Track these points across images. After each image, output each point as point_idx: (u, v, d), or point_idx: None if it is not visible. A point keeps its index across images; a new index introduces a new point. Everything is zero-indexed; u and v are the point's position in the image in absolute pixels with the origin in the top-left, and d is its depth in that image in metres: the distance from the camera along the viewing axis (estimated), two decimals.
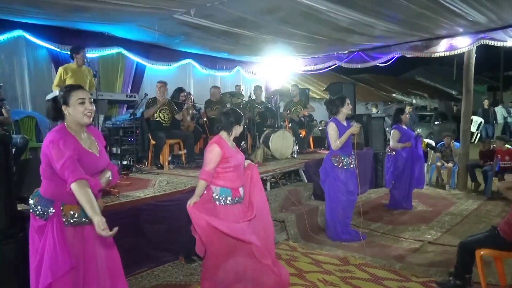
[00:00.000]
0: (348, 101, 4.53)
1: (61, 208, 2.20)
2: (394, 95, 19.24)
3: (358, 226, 5.00)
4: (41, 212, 2.20)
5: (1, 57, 5.26)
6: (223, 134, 3.18)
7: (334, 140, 4.39)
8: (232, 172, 3.09)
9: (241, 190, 3.21)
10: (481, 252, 2.92)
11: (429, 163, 7.65)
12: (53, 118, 2.31)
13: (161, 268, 3.70)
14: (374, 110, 12.51)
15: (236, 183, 3.13)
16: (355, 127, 4.38)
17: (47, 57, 5.74)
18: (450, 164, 7.26)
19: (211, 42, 6.38)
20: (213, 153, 3.02)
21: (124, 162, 5.76)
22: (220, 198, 3.09)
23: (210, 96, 7.02)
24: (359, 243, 4.42)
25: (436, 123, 14.54)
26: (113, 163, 2.61)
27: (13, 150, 4.67)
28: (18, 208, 3.04)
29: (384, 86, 20.07)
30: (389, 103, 17.87)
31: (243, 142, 6.50)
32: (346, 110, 4.47)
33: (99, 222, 1.99)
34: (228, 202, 3.08)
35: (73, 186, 2.02)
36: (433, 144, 8.23)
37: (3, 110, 4.66)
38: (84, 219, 2.22)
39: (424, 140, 8.03)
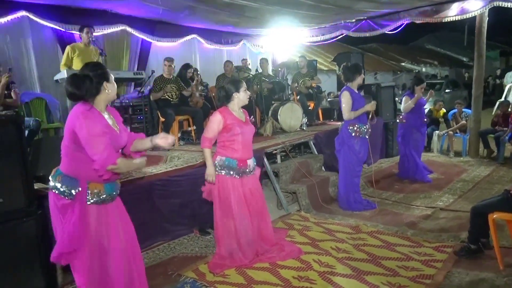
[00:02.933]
0: (363, 71, 4.52)
1: (87, 186, 2.22)
2: (403, 64, 18.89)
3: (369, 195, 5.04)
4: (66, 191, 2.18)
5: (6, 40, 5.25)
6: (229, 105, 3.24)
7: (347, 110, 4.37)
8: (235, 142, 3.15)
9: (249, 162, 3.24)
10: (494, 216, 2.92)
11: (440, 132, 7.55)
12: (87, 95, 2.17)
13: (176, 241, 3.80)
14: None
15: (242, 154, 3.18)
16: (371, 104, 4.39)
17: (52, 37, 5.72)
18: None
19: (216, 15, 6.27)
20: (213, 120, 3.17)
21: None
22: (223, 167, 3.16)
23: (224, 72, 6.93)
24: (371, 212, 4.46)
25: (447, 91, 14.29)
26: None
27: (26, 132, 4.75)
28: (35, 187, 3.13)
29: (393, 55, 19.69)
30: (398, 72, 17.57)
31: (251, 116, 6.51)
32: (360, 78, 4.45)
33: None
34: (232, 172, 3.16)
35: (119, 162, 2.15)
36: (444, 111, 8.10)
37: (12, 93, 4.69)
38: (107, 196, 2.28)
39: (443, 109, 7.92)
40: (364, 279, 2.90)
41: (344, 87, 4.49)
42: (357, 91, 4.47)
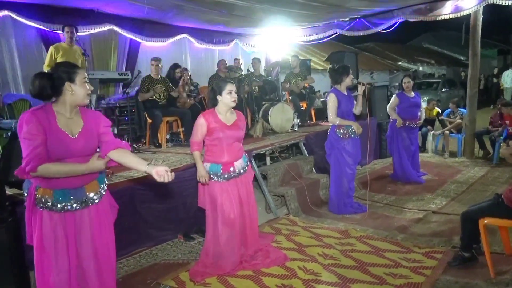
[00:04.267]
0: (350, 71, 4.38)
1: (35, 191, 2.11)
2: (400, 63, 18.79)
3: (361, 197, 4.92)
4: (25, 193, 2.16)
5: None
6: (216, 107, 3.13)
7: (333, 112, 4.27)
8: (218, 146, 3.07)
9: (237, 164, 3.13)
10: (485, 221, 2.80)
11: (436, 132, 7.44)
12: (46, 96, 2.08)
13: (159, 247, 3.67)
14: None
15: (227, 158, 3.07)
16: (357, 125, 4.31)
17: (36, 37, 5.58)
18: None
19: (205, 14, 6.15)
20: (197, 124, 3.11)
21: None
22: (211, 173, 3.09)
23: (217, 71, 6.75)
24: (361, 215, 4.34)
25: (443, 90, 14.18)
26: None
27: (9, 134, 4.63)
28: (8, 193, 3.01)
29: (390, 54, 19.59)
30: (395, 71, 17.46)
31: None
32: (349, 79, 4.33)
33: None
34: (216, 178, 3.07)
35: (40, 169, 1.97)
36: (439, 111, 7.99)
37: None
38: (58, 205, 2.10)
39: (436, 108, 7.82)
40: None
41: (331, 89, 4.38)
42: (346, 92, 4.35)
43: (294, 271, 3.07)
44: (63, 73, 2.08)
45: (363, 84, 4.37)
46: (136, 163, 2.20)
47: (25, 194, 2.17)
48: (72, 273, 2.20)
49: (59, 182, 2.09)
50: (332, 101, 4.27)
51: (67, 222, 2.16)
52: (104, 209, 2.32)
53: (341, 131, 4.30)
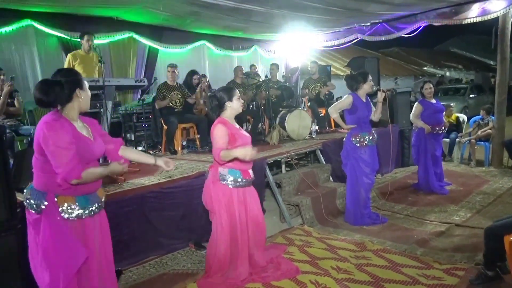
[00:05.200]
0: (370, 77, 4.22)
1: (55, 199, 2.08)
2: (425, 68, 18.29)
3: (380, 208, 4.74)
4: (34, 205, 2.09)
5: (11, 48, 5.27)
6: (223, 114, 3.04)
7: (337, 108, 4.25)
8: None
9: (251, 172, 3.06)
10: (511, 238, 2.60)
11: (462, 139, 7.13)
12: (57, 102, 2.07)
13: (170, 255, 3.62)
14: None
15: (244, 164, 2.99)
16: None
17: (57, 45, 5.71)
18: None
19: (222, 20, 6.13)
20: (220, 131, 2.90)
21: (139, 148, 5.72)
22: (228, 178, 2.95)
23: (235, 78, 6.66)
24: (379, 226, 4.16)
25: (471, 96, 13.70)
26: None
27: (29, 139, 4.72)
28: (19, 199, 3.03)
29: (415, 59, 19.11)
30: (420, 77, 17.00)
31: (260, 124, 6.32)
32: (367, 86, 4.18)
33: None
34: (237, 184, 2.97)
35: (84, 175, 2.04)
36: (465, 119, 7.67)
37: (16, 102, 4.68)
38: (81, 210, 2.11)
39: (455, 114, 7.53)
40: None
41: (350, 92, 4.26)
42: (364, 99, 4.20)
43: (305, 286, 2.95)
44: (73, 79, 2.13)
45: (383, 91, 4.21)
46: (145, 157, 2.45)
47: (35, 205, 2.08)
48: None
49: (83, 188, 2.12)
50: (345, 101, 4.21)
51: (87, 227, 2.17)
52: (105, 218, 2.34)
53: (358, 139, 4.15)
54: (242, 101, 3.08)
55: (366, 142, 4.15)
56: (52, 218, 2.08)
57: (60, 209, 2.08)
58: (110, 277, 2.32)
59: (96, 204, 2.20)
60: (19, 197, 3.04)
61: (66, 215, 2.08)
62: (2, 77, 4.57)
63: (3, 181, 2.71)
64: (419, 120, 5.27)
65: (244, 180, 3.00)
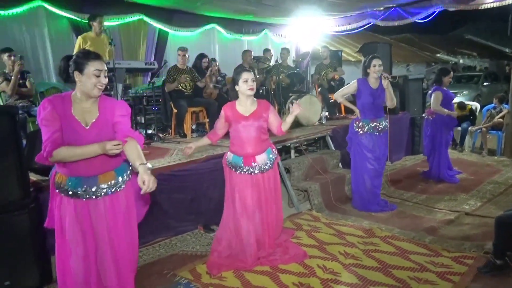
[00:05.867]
0: (374, 62, 4.10)
1: (55, 175, 2.18)
2: (438, 55, 17.94)
3: (389, 195, 4.72)
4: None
5: (22, 29, 5.27)
6: (238, 98, 3.10)
7: (342, 93, 4.33)
8: (237, 137, 3.05)
9: (259, 158, 3.04)
10: None
11: (473, 128, 7.02)
12: (65, 80, 2.17)
13: (179, 237, 3.67)
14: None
15: (244, 150, 3.02)
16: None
17: (68, 27, 5.70)
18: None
19: (233, 3, 6.06)
20: (220, 115, 3.12)
21: (149, 131, 5.74)
22: (232, 164, 3.08)
23: (243, 62, 6.60)
24: (388, 213, 4.15)
25: (485, 84, 13.43)
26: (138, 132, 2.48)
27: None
28: (32, 179, 3.07)
29: (428, 46, 18.74)
30: (433, 64, 16.71)
31: None
32: (371, 71, 4.08)
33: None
34: (238, 170, 3.04)
35: (55, 154, 1.98)
36: (478, 107, 7.54)
37: (27, 83, 4.71)
38: (71, 190, 2.11)
39: (468, 103, 7.41)
40: None
41: (359, 78, 4.21)
42: (374, 86, 4.12)
43: (313, 270, 2.97)
44: (73, 61, 2.08)
45: (385, 77, 4.11)
46: (134, 158, 2.10)
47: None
48: (91, 259, 2.21)
49: (73, 168, 2.10)
50: (350, 86, 4.25)
51: (81, 209, 2.15)
52: (121, 202, 2.26)
53: (359, 124, 4.15)
54: (250, 84, 2.98)
55: (365, 129, 4.12)
56: (53, 190, 2.20)
57: (56, 184, 2.17)
58: (124, 262, 2.29)
59: (95, 188, 2.13)
60: (32, 176, 3.11)
61: (58, 190, 2.16)
62: (13, 58, 4.58)
63: (17, 161, 2.75)
64: (443, 108, 5.07)
65: (246, 169, 3.01)
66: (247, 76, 2.97)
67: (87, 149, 2.03)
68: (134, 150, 2.11)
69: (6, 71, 4.55)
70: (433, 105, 5.14)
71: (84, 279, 2.18)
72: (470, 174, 5.49)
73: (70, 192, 2.11)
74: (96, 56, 2.12)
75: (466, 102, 7.52)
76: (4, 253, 2.66)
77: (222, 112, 3.08)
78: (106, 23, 5.24)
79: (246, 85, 2.96)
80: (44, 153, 1.99)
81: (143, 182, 1.90)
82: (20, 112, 4.14)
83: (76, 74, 2.07)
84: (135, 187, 2.25)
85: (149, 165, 2.01)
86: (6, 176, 2.71)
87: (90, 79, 2.06)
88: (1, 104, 4.53)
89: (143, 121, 5.86)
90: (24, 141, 3.28)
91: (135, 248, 2.44)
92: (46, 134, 2.00)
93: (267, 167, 3.07)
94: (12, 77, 4.41)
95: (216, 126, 3.15)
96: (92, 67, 2.07)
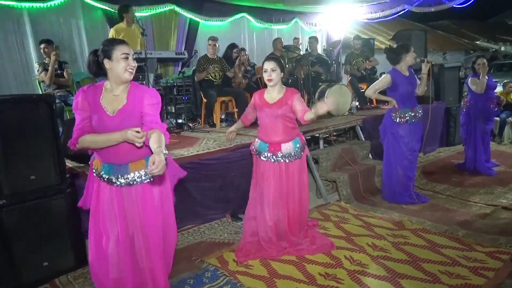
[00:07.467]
0: (412, 48, 3.99)
1: (93, 160, 2.28)
2: (478, 42, 17.09)
3: (421, 187, 4.60)
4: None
5: (60, 21, 5.46)
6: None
7: (375, 89, 4.11)
8: (263, 124, 3.10)
9: (285, 146, 3.02)
10: None
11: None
12: (95, 73, 2.21)
13: (207, 225, 3.73)
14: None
15: (269, 137, 3.05)
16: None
17: (102, 18, 5.86)
18: None
19: None
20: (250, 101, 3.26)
21: (180, 121, 5.84)
22: (258, 150, 3.13)
23: (274, 50, 6.57)
24: (419, 206, 4.04)
25: None
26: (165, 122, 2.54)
27: None
28: (68, 165, 3.21)
29: (467, 33, 17.87)
30: (471, 51, 15.96)
31: None
32: (410, 58, 3.94)
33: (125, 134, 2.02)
34: (262, 157, 3.08)
35: (80, 140, 2.09)
36: None
37: (65, 73, 4.89)
38: (106, 175, 2.18)
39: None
40: (399, 283, 2.60)
41: (390, 69, 4.06)
42: (407, 72, 4.00)
43: (340, 261, 2.95)
44: (101, 51, 2.13)
45: (428, 62, 3.97)
46: (153, 142, 2.01)
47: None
48: (123, 244, 2.26)
49: (105, 156, 2.17)
50: (383, 81, 4.06)
51: (116, 195, 2.23)
52: (154, 191, 2.29)
53: (397, 114, 3.99)
54: (268, 74, 2.96)
55: (406, 118, 3.98)
56: (91, 174, 2.30)
57: (94, 170, 2.27)
58: (155, 248, 2.31)
59: (127, 175, 2.17)
60: (68, 163, 3.24)
61: (95, 174, 2.26)
62: (49, 48, 4.73)
63: (54, 148, 2.88)
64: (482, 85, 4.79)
65: (272, 156, 3.02)
66: (266, 66, 2.99)
67: (109, 136, 2.07)
68: (156, 137, 2.04)
69: (46, 62, 4.73)
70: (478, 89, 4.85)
71: (118, 262, 2.26)
72: (508, 167, 5.25)
73: (106, 178, 2.20)
74: (121, 41, 2.18)
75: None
76: (42, 235, 2.81)
77: (251, 100, 3.20)
78: (138, 14, 5.34)
79: (265, 75, 2.99)
80: (72, 139, 2.11)
81: (153, 162, 1.85)
82: (57, 101, 4.32)
83: (106, 62, 2.11)
84: (169, 176, 2.34)
85: (166, 151, 1.99)
86: (44, 162, 2.84)
87: (119, 63, 2.10)
88: (40, 93, 4.73)
89: (173, 111, 5.96)
90: (61, 129, 3.42)
91: (173, 234, 2.50)
92: (76, 122, 2.12)
93: (292, 156, 3.04)
94: (49, 67, 4.58)
95: (247, 110, 3.29)
96: (119, 51, 2.10)
